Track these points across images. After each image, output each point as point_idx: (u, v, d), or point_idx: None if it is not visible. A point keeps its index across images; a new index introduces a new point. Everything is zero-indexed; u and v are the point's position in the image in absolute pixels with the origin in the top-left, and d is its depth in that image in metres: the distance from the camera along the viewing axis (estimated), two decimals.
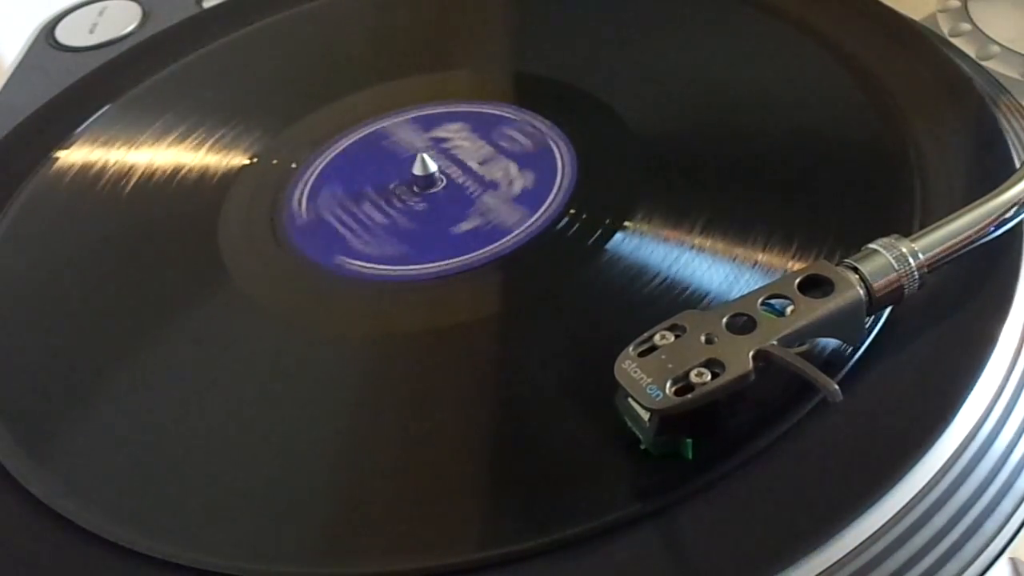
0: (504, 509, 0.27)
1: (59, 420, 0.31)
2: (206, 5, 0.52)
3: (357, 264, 0.34)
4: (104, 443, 0.30)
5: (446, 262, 0.33)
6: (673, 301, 0.30)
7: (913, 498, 0.25)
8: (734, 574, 0.24)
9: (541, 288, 0.32)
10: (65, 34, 0.52)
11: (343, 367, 0.32)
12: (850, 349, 0.27)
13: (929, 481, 0.25)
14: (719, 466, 0.26)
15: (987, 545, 0.25)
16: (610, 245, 0.33)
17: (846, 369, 0.27)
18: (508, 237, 0.34)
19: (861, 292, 0.26)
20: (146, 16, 0.52)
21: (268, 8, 0.48)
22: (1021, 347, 0.28)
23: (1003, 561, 0.25)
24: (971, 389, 0.26)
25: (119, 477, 0.29)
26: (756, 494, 0.25)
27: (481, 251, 0.34)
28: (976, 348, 0.27)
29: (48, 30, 0.53)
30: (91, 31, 0.52)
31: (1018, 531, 0.26)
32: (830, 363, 0.27)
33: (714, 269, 0.31)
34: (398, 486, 0.28)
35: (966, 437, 0.26)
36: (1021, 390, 0.27)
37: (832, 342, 0.27)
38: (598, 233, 0.33)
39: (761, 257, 0.31)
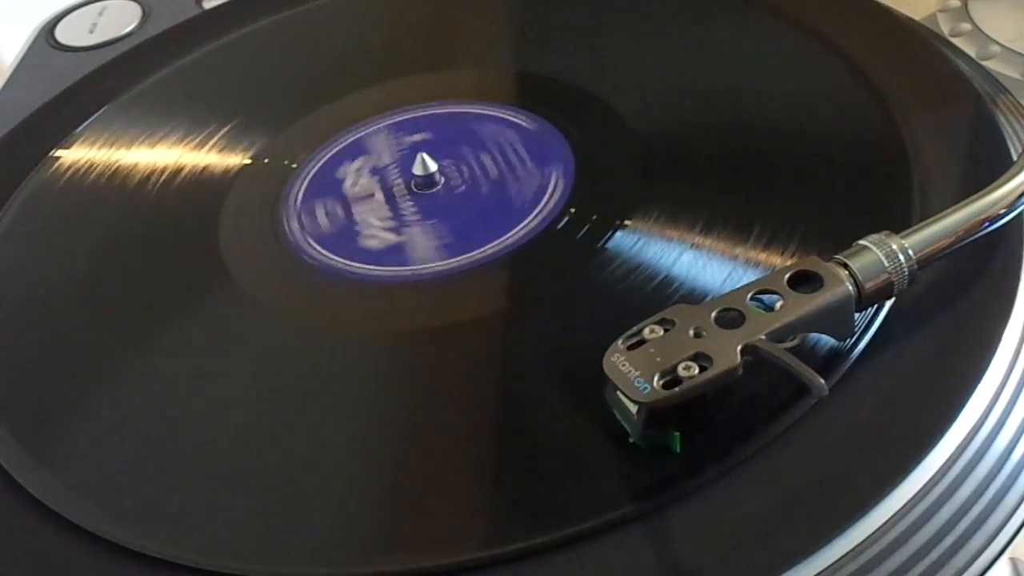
0: (504, 509, 0.27)
1: (59, 420, 0.31)
2: (206, 5, 0.52)
3: (357, 263, 0.34)
4: (104, 443, 0.30)
5: (443, 263, 0.34)
6: (672, 300, 0.30)
7: (913, 498, 0.25)
8: (734, 574, 0.24)
9: (540, 287, 0.32)
10: (65, 34, 0.52)
11: (343, 366, 0.32)
12: (849, 348, 0.27)
13: (929, 481, 0.25)
14: (718, 465, 0.26)
15: (987, 545, 0.25)
16: (609, 244, 0.33)
17: (845, 368, 0.27)
18: (507, 237, 0.34)
19: (850, 288, 0.26)
20: (146, 16, 0.52)
21: (268, 8, 0.48)
22: (1022, 346, 0.28)
23: (1003, 561, 0.25)
24: (973, 389, 0.26)
25: (119, 477, 0.29)
26: (756, 494, 0.25)
27: (479, 251, 0.34)
28: (978, 347, 0.27)
29: (48, 30, 0.53)
30: (91, 31, 0.52)
31: (1018, 531, 0.26)
32: (829, 362, 0.27)
33: (713, 267, 0.31)
34: (395, 486, 0.28)
35: (966, 436, 0.26)
36: (1021, 389, 0.27)
37: (831, 341, 0.27)
38: (597, 232, 0.33)
39: (760, 256, 0.31)
